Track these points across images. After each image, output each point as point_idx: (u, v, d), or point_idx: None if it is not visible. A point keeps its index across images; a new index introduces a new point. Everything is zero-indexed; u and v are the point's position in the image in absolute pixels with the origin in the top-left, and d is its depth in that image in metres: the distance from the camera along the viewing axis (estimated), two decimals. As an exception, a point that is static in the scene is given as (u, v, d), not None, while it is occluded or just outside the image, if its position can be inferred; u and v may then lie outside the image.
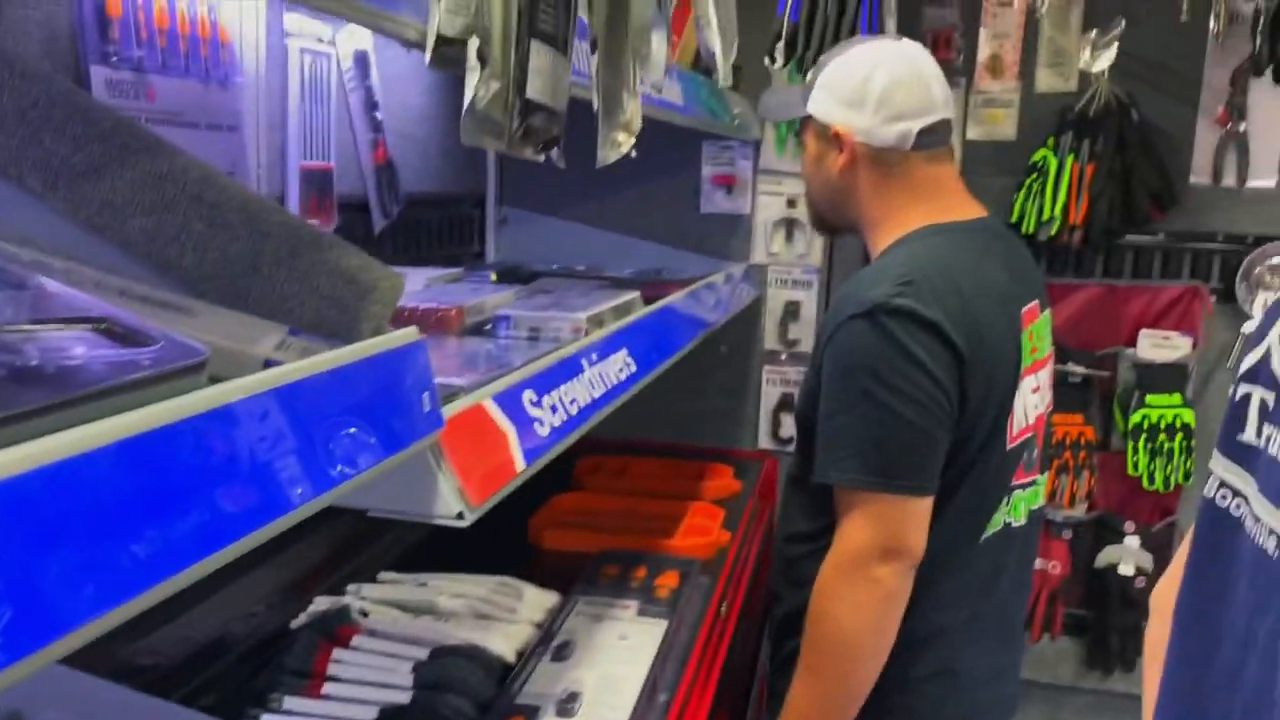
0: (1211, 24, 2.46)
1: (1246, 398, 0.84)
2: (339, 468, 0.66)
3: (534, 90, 0.79)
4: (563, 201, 2.93)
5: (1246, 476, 0.82)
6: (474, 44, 0.73)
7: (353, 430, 0.68)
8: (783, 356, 2.91)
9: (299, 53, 1.75)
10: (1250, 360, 0.85)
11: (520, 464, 1.06)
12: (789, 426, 2.91)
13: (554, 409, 1.22)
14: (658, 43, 0.88)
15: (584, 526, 2.13)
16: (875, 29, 2.21)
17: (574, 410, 1.27)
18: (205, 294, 0.69)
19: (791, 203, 2.85)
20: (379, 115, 2.07)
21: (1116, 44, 2.51)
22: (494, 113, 0.75)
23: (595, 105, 0.88)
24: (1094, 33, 2.55)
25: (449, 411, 0.87)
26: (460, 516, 0.84)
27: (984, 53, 2.68)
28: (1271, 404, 0.80)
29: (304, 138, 1.77)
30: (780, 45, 2.22)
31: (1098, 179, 2.45)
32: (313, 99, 1.80)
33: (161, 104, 1.39)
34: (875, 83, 1.54)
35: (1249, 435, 0.83)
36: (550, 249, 2.86)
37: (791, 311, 2.89)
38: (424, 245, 2.50)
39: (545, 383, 1.21)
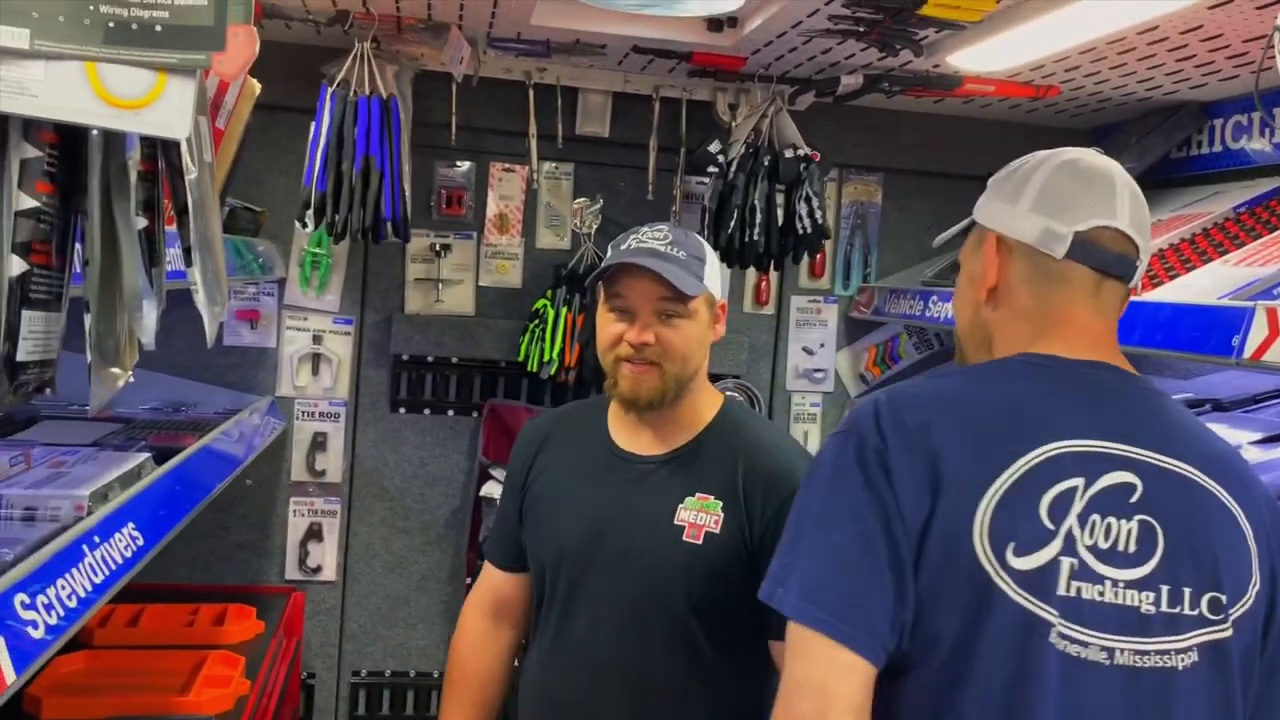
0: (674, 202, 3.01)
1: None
2: None
3: (25, 354, 0.87)
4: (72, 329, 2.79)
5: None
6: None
7: None
8: (310, 488, 2.98)
9: None
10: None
11: (10, 675, 1.06)
12: (316, 556, 2.98)
13: (49, 607, 1.22)
14: (148, 308, 0.99)
15: (91, 690, 2.04)
16: (398, 198, 2.42)
17: (73, 603, 1.27)
18: None
19: (317, 338, 2.96)
20: None
21: (600, 212, 2.95)
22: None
23: (88, 355, 0.97)
24: (583, 200, 2.97)
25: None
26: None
27: (492, 211, 3.00)
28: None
29: None
30: (310, 212, 2.36)
31: (585, 329, 2.85)
32: None
33: None
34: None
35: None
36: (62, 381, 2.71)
37: (319, 443, 2.98)
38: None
39: (39, 580, 1.21)
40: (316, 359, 2.96)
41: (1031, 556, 1.12)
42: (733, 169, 2.67)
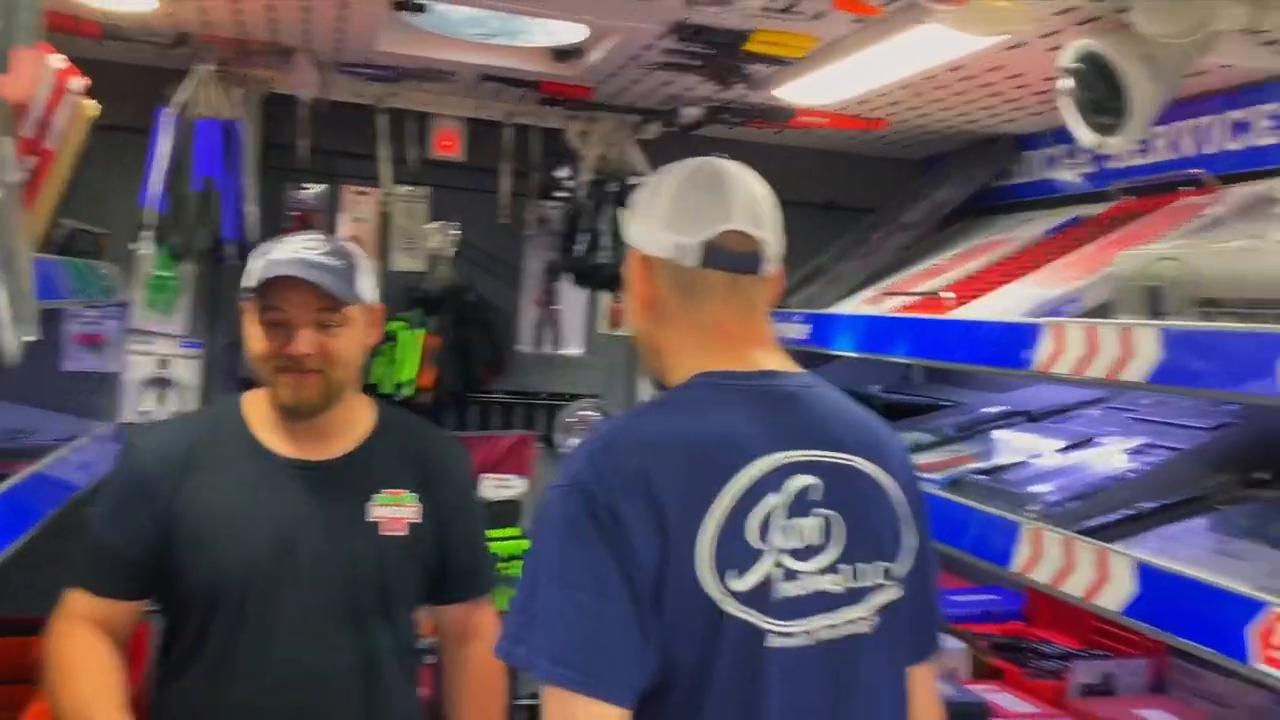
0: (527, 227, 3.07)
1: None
2: None
3: None
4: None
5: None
6: None
7: None
8: (156, 514, 2.91)
9: None
10: None
11: None
12: (164, 585, 2.90)
13: None
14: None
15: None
16: (239, 219, 2.41)
17: None
18: None
19: (164, 362, 2.90)
20: None
21: (457, 235, 2.99)
22: None
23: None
24: (439, 224, 3.01)
25: None
26: None
27: (345, 233, 3.01)
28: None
29: None
30: (148, 234, 2.34)
31: (442, 350, 2.88)
32: None
33: None
34: None
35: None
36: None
37: (166, 469, 2.91)
38: None
39: None
40: (163, 384, 2.91)
41: (748, 576, 1.24)
42: (581, 195, 2.75)
